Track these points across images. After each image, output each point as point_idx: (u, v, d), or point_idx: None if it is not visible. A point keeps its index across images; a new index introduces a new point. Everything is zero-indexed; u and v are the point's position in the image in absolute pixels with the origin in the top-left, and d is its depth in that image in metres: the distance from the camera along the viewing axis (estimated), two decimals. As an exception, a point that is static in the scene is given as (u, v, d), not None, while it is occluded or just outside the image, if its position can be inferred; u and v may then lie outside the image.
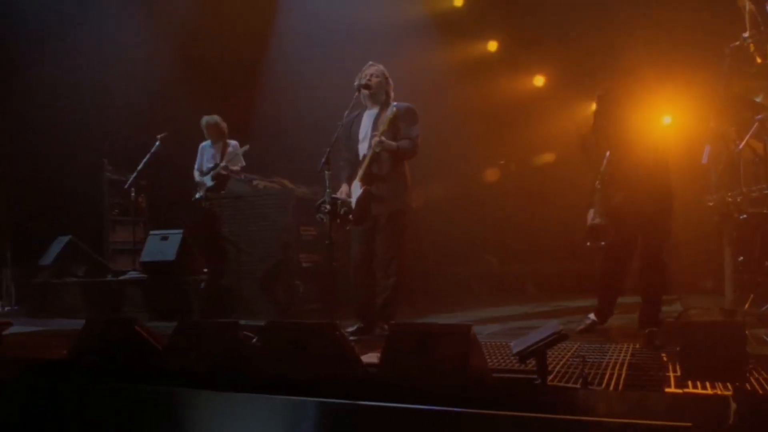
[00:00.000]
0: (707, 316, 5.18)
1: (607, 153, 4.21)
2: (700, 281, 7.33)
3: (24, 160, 8.13)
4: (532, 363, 3.18)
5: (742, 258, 4.78)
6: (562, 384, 3.10)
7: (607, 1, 7.76)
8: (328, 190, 4.52)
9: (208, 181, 7.47)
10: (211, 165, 7.57)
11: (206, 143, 7.67)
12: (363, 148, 5.01)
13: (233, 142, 7.58)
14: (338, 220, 4.52)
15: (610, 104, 4.32)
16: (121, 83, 8.15)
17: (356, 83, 4.96)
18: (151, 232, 6.88)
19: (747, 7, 4.78)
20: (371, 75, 5.00)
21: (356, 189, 4.96)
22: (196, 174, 7.67)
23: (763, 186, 4.09)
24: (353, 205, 4.90)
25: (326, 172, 4.53)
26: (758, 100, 4.42)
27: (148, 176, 8.06)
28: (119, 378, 3.64)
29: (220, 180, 7.34)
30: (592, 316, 4.64)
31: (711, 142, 4.85)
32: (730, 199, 4.48)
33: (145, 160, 7.39)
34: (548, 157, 8.52)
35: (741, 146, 4.15)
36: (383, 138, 4.72)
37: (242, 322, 4.68)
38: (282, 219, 6.42)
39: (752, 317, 4.55)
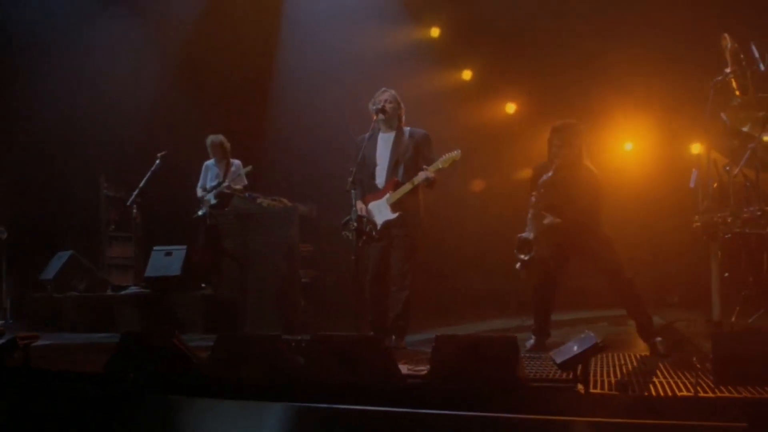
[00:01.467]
0: (693, 328, 5.39)
1: (545, 176, 4.53)
2: (666, 296, 7.58)
3: (20, 174, 7.87)
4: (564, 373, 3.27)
5: (727, 274, 4.97)
6: (604, 391, 3.15)
7: (577, 33, 7.98)
8: (354, 209, 4.54)
9: (211, 199, 7.38)
10: (214, 183, 7.49)
11: (210, 162, 7.60)
12: (382, 172, 5.06)
13: (236, 162, 7.53)
14: (364, 237, 4.53)
15: (560, 137, 4.59)
16: (120, 99, 8.00)
17: (371, 108, 5.01)
18: (155, 248, 6.74)
19: (729, 45, 5.01)
20: (385, 101, 5.06)
21: (381, 209, 5.00)
22: (199, 191, 7.57)
23: (755, 208, 4.28)
24: (379, 225, 4.95)
25: (353, 192, 4.54)
26: (745, 129, 4.63)
27: (144, 193, 7.90)
28: (159, 390, 3.57)
29: (223, 198, 7.27)
30: (532, 339, 4.75)
31: (698, 168, 5.04)
32: (719, 220, 4.65)
33: (146, 177, 7.24)
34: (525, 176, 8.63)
35: (736, 173, 4.34)
36: (431, 175, 4.82)
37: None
38: (287, 235, 6.37)
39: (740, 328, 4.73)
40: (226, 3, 8.20)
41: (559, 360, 3.14)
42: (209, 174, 7.61)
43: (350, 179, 4.55)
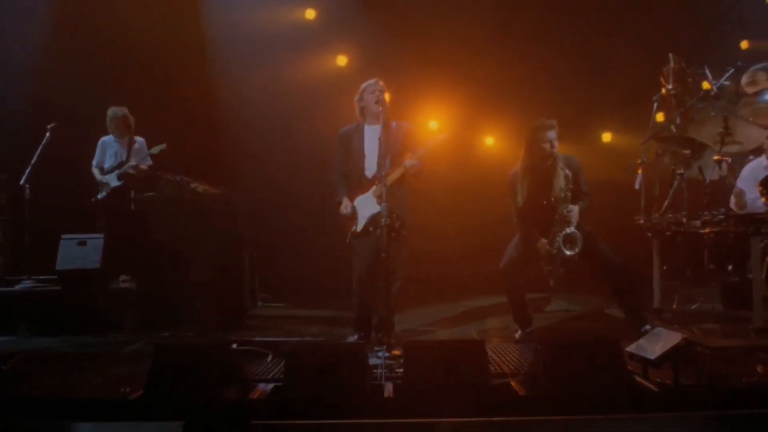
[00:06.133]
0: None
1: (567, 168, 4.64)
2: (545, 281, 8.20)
3: None
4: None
5: (666, 267, 5.54)
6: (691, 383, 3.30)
7: (461, 27, 8.17)
8: (384, 204, 4.21)
9: (113, 181, 6.42)
10: (113, 162, 6.49)
11: (108, 138, 6.56)
12: (371, 165, 4.77)
13: (140, 139, 6.59)
14: (393, 234, 4.23)
15: (555, 132, 4.75)
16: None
17: (369, 99, 4.74)
18: (64, 237, 5.68)
19: (672, 63, 5.54)
20: (382, 92, 4.80)
21: (366, 203, 4.75)
22: (96, 172, 6.51)
23: (718, 212, 4.82)
24: (365, 219, 4.71)
25: (383, 188, 4.22)
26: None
27: (11, 170, 6.61)
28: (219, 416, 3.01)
29: (128, 179, 6.36)
30: (519, 332, 4.93)
31: (643, 172, 5.52)
32: (672, 220, 5.16)
33: (38, 152, 6.05)
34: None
35: (708, 182, 4.84)
36: (416, 161, 4.64)
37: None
38: (229, 225, 5.75)
39: (680, 315, 5.31)
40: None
41: (652, 356, 3.25)
42: (108, 152, 6.59)
43: (382, 173, 4.24)
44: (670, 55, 5.57)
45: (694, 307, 5.33)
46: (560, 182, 4.57)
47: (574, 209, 4.59)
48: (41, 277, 5.87)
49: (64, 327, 5.36)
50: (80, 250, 5.60)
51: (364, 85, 4.92)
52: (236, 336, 5.31)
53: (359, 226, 4.75)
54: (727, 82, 5.65)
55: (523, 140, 4.85)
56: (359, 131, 4.93)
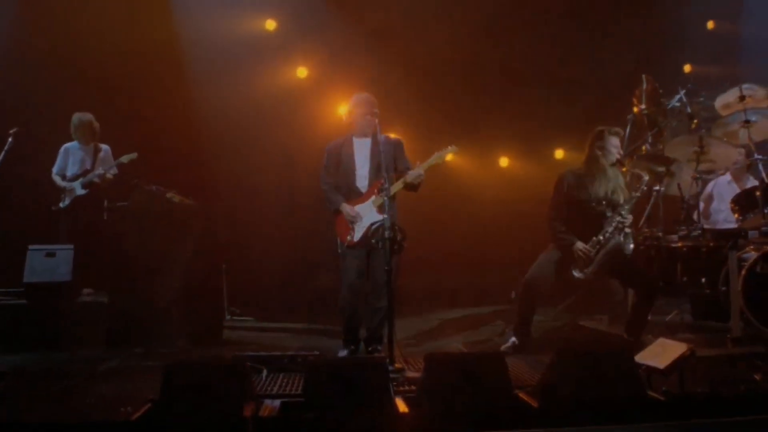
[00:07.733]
0: (600, 325, 6.02)
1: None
2: (507, 293, 8.35)
3: None
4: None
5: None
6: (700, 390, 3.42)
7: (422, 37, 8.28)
8: (385, 216, 4.17)
9: (78, 189, 6.18)
10: (77, 170, 6.25)
11: (72, 145, 6.34)
12: (363, 177, 4.80)
13: (105, 147, 6.37)
14: (395, 246, 4.19)
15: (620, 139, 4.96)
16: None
17: (364, 113, 4.75)
18: (31, 247, 5.37)
19: (645, 84, 5.78)
20: (373, 105, 4.80)
21: (365, 213, 4.72)
22: (58, 179, 6.25)
23: (693, 227, 5.04)
24: (363, 230, 4.68)
25: (385, 199, 4.19)
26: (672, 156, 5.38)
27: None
28: None
29: (93, 188, 6.13)
30: (513, 339, 5.01)
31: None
32: (649, 233, 5.36)
33: (0, 159, 5.73)
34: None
35: (687, 199, 5.06)
36: (420, 173, 4.64)
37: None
38: (206, 235, 5.60)
39: (654, 326, 5.48)
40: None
41: (662, 366, 3.35)
42: (71, 158, 6.35)
43: (386, 185, 4.22)
44: (644, 76, 5.81)
45: (668, 318, 5.53)
46: (624, 190, 4.81)
47: (630, 217, 4.80)
48: (4, 290, 5.55)
49: (29, 343, 5.07)
50: (49, 262, 5.32)
51: (355, 97, 4.90)
52: (215, 352, 5.19)
53: (356, 237, 4.71)
54: (678, 104, 5.94)
55: (585, 144, 4.96)
56: (348, 144, 4.91)
